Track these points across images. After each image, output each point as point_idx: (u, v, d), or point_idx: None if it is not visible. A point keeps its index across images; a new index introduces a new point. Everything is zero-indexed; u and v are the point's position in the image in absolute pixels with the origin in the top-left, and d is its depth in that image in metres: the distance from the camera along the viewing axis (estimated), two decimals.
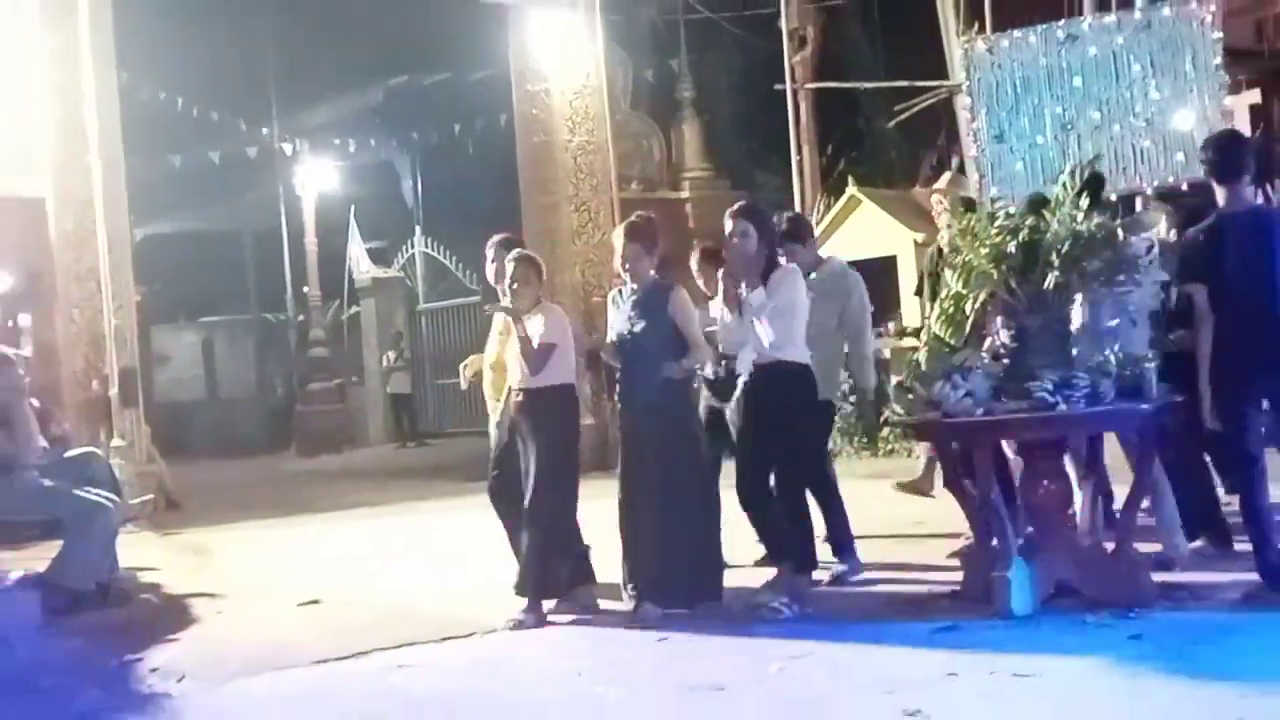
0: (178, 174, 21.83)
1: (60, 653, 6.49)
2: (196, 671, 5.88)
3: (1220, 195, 5.83)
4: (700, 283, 7.48)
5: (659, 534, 6.33)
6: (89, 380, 12.55)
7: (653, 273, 6.50)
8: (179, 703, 5.44)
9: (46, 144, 12.44)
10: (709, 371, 7.02)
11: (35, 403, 8.25)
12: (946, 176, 9.36)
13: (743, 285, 6.51)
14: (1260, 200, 5.88)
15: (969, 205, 7.52)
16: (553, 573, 6.48)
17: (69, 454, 8.42)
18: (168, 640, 6.67)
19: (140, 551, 9.49)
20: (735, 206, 6.67)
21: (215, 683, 5.70)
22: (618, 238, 6.55)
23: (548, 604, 6.48)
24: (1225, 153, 5.86)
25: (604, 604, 6.52)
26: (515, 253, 6.73)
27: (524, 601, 6.41)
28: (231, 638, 6.73)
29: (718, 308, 6.89)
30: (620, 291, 6.58)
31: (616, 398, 6.70)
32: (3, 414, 7.64)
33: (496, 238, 7.08)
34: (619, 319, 6.50)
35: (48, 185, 12.50)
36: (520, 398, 6.54)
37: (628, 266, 6.44)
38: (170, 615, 7.37)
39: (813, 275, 7.05)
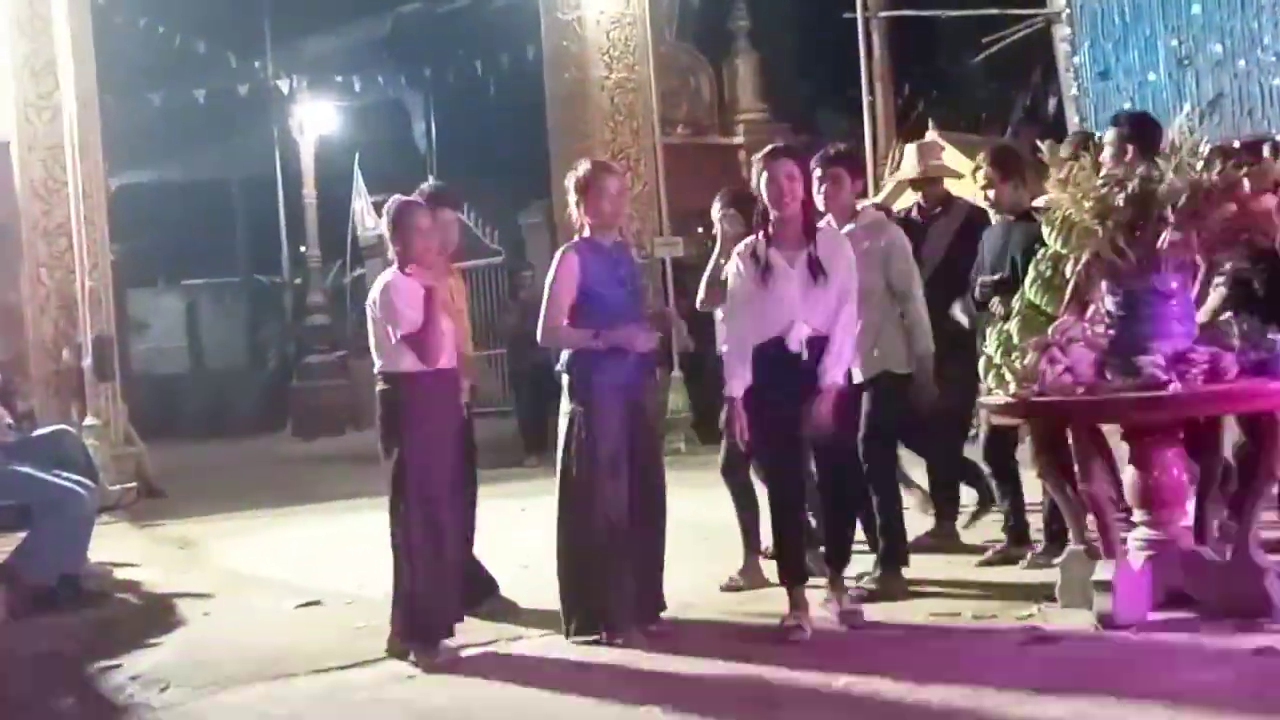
0: (158, 115, 21.96)
1: (26, 657, 6.56)
2: (181, 680, 5.91)
3: None
4: (726, 230, 7.08)
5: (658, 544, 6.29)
6: (59, 350, 12.68)
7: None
8: (161, 715, 5.48)
9: (10, 81, 12.54)
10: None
11: None
12: (911, 149, 8.99)
13: (759, 238, 6.29)
14: None
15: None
16: None
17: (37, 433, 8.51)
18: (149, 644, 6.71)
19: (117, 544, 9.58)
20: (772, 147, 6.48)
21: (203, 693, 5.73)
22: (611, 176, 6.32)
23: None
24: None
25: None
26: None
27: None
28: (220, 642, 6.75)
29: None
30: (586, 246, 6.23)
31: (588, 376, 6.15)
32: None
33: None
34: (603, 275, 6.18)
35: (11, 127, 12.61)
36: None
37: (616, 209, 6.26)
38: (151, 616, 7.42)
39: (851, 227, 6.88)
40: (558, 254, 6.33)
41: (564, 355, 6.21)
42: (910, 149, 8.89)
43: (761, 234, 6.24)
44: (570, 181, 6.31)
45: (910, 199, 9.18)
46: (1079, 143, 6.61)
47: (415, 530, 5.99)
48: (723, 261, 6.89)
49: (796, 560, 6.21)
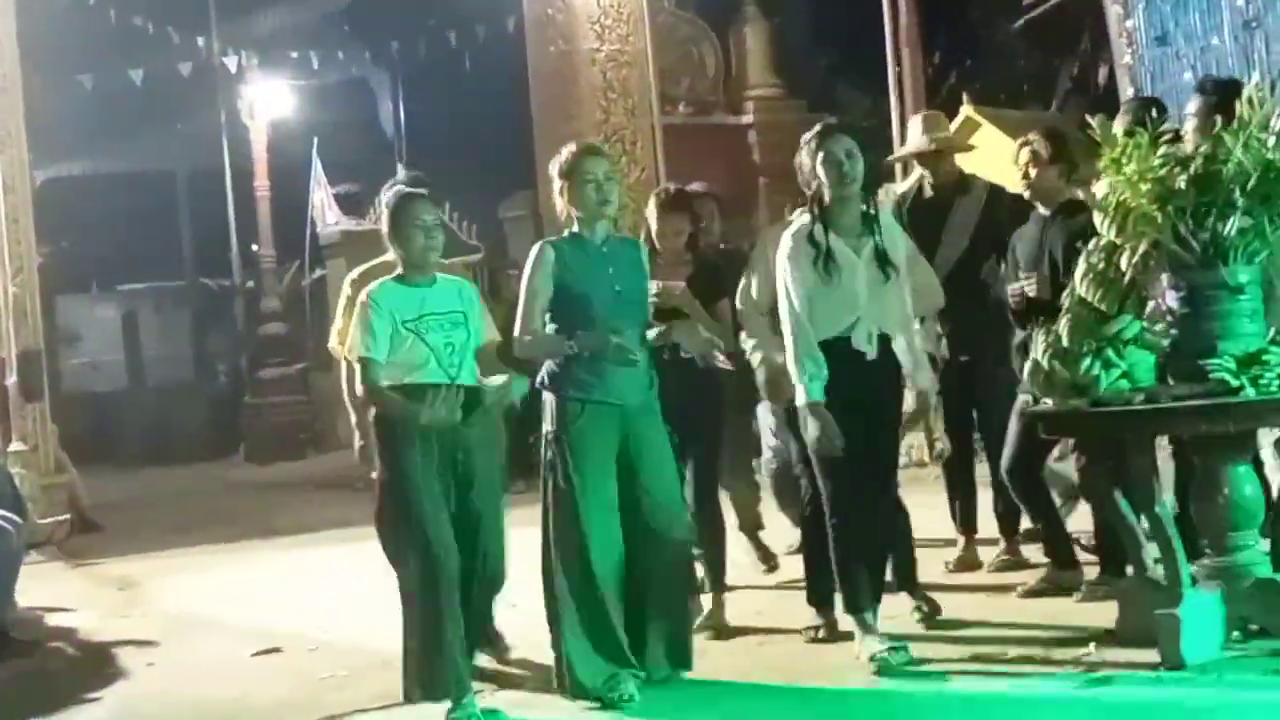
0: (90, 99, 21.97)
1: None
2: None
3: None
4: (659, 242, 7.19)
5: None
6: None
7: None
8: None
9: None
10: None
11: None
12: (915, 121, 8.98)
13: (814, 223, 6.32)
14: None
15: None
16: None
17: None
18: (85, 699, 6.70)
19: (48, 585, 9.56)
20: (826, 124, 6.58)
21: None
22: (598, 159, 6.34)
23: None
24: None
25: None
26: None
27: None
28: (166, 696, 6.77)
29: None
30: (568, 241, 6.26)
31: (564, 392, 6.16)
32: None
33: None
34: (587, 274, 6.16)
35: None
36: None
37: (604, 197, 6.22)
38: (88, 667, 7.43)
39: None
40: (533, 249, 6.32)
41: (544, 367, 6.15)
42: (914, 121, 8.88)
43: (817, 219, 6.27)
44: (554, 167, 6.30)
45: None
46: (1140, 112, 6.57)
47: (407, 569, 5.95)
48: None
49: (873, 581, 6.24)
